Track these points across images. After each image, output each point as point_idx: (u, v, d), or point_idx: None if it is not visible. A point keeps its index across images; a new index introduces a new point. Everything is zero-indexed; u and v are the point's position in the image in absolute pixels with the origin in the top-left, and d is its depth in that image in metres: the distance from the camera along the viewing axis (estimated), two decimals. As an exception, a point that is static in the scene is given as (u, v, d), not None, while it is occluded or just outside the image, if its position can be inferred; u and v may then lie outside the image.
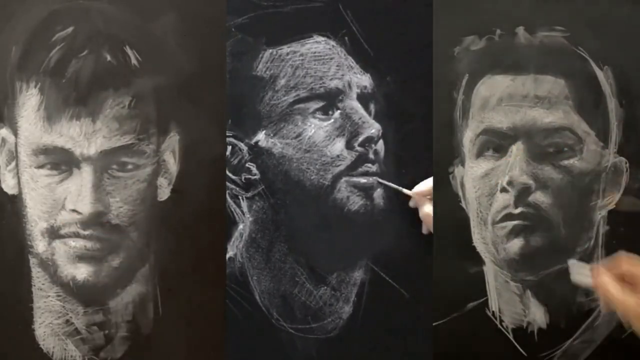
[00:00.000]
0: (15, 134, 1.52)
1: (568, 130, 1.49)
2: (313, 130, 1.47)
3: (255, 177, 1.48)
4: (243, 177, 1.49)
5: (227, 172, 1.50)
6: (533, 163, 1.49)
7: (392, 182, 1.52)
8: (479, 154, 1.52)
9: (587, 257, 1.52)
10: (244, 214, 1.51)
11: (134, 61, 1.52)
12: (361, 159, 1.48)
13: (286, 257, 1.49)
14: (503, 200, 1.50)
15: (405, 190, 1.52)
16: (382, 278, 1.51)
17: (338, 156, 1.47)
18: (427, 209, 1.51)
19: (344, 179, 1.48)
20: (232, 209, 1.51)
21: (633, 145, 1.52)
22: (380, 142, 1.51)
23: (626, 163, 1.51)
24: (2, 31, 1.52)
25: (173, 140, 1.55)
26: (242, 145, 1.49)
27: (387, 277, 1.51)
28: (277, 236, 1.49)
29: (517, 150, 1.49)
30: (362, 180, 1.49)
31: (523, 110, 1.50)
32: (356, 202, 1.48)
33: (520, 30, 1.52)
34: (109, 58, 1.51)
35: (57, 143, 1.50)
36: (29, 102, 1.51)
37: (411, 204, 1.53)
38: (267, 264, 1.49)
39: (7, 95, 1.52)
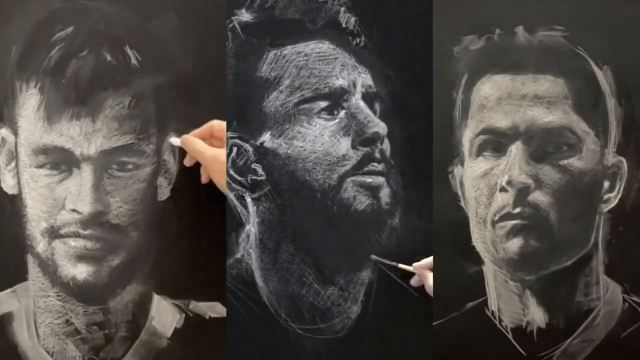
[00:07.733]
0: (15, 133, 1.52)
1: (567, 130, 1.50)
2: (318, 131, 1.47)
3: (261, 178, 1.48)
4: (249, 178, 1.48)
5: (233, 173, 1.49)
6: (532, 162, 1.49)
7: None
8: (479, 153, 1.52)
9: (587, 257, 1.52)
10: (250, 215, 1.50)
11: (134, 61, 1.51)
12: (367, 158, 1.47)
13: (293, 258, 1.48)
14: (502, 199, 1.50)
15: (404, 266, 1.50)
16: (391, 277, 1.50)
17: (344, 156, 1.46)
18: (431, 282, 1.48)
19: (350, 178, 1.46)
20: (238, 211, 1.50)
21: (632, 144, 1.52)
22: (386, 141, 1.50)
23: (625, 162, 1.52)
24: (2, 31, 1.52)
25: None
26: (247, 146, 1.48)
27: (395, 277, 1.50)
28: (283, 237, 1.48)
29: (516, 149, 1.49)
30: (369, 179, 1.48)
31: (522, 109, 1.50)
32: (363, 201, 1.47)
33: (520, 29, 1.52)
34: (109, 58, 1.50)
35: (57, 143, 1.49)
36: (29, 102, 1.51)
37: (413, 281, 1.50)
38: (275, 264, 1.48)
39: (7, 95, 1.51)
